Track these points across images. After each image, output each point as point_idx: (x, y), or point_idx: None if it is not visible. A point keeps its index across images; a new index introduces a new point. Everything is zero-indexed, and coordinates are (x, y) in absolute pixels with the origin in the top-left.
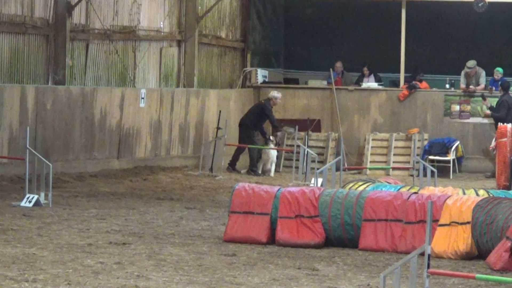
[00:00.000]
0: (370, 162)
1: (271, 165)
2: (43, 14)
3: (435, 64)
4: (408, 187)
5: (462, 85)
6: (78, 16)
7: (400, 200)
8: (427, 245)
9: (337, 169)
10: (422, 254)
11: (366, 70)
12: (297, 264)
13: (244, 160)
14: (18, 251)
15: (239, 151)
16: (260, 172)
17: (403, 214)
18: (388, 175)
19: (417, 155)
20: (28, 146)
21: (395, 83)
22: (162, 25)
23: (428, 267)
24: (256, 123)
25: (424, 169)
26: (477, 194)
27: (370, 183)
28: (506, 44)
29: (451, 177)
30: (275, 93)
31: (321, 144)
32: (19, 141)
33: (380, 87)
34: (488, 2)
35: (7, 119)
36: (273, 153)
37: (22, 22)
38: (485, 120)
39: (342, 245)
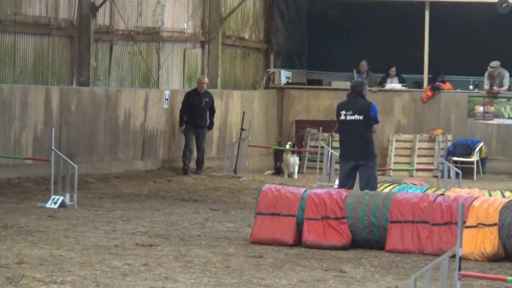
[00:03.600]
0: (394, 163)
1: (293, 168)
2: (67, 15)
3: (459, 65)
4: (434, 189)
5: (486, 86)
6: (102, 17)
7: (426, 202)
8: (458, 247)
9: None
10: (451, 256)
11: (393, 71)
12: (324, 266)
13: (268, 161)
14: (46, 253)
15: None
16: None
17: (429, 216)
18: (412, 176)
19: (441, 156)
20: (53, 147)
21: (419, 84)
22: (185, 26)
23: (459, 269)
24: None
25: (448, 170)
26: (503, 196)
27: (396, 184)
28: None
29: (474, 178)
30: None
31: None
32: (44, 142)
33: (404, 88)
34: None
35: (32, 120)
36: (293, 160)
37: (46, 23)
38: (509, 121)
39: (369, 246)
